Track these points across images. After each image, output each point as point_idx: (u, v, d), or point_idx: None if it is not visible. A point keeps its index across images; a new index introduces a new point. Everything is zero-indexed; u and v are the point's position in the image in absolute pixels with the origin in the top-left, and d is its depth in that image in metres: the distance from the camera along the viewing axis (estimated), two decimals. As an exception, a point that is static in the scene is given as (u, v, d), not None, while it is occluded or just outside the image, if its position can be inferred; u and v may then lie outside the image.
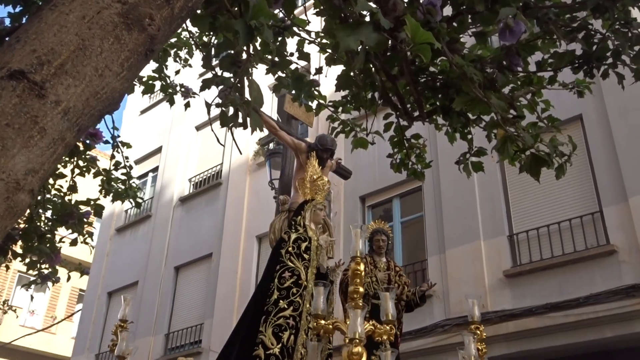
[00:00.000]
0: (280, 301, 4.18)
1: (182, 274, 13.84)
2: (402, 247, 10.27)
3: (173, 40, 4.20)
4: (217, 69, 2.58)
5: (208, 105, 2.04)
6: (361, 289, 3.69)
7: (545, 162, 2.22)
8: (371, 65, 2.42)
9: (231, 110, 2.02)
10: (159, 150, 16.63)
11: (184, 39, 4.01)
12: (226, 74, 2.40)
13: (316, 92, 2.92)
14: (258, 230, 12.61)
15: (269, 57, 2.91)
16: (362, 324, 3.44)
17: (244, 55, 2.69)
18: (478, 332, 4.56)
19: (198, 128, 15.73)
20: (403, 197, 10.53)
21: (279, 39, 2.73)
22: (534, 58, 2.42)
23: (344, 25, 1.43)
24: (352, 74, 2.62)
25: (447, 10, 2.54)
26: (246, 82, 2.20)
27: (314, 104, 3.30)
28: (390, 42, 1.54)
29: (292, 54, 2.58)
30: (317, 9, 1.93)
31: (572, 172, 8.42)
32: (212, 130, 2.36)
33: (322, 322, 3.65)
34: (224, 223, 13.29)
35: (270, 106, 14.10)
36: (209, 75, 2.53)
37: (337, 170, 6.48)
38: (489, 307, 8.26)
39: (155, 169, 16.50)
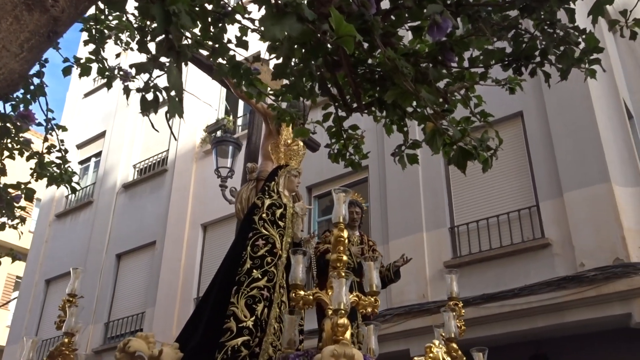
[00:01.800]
0: (254, 271, 3.91)
1: (123, 262, 13.60)
2: (347, 237, 10.38)
3: (114, 22, 4.12)
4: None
5: (127, 91, 2.02)
6: (345, 258, 3.52)
7: (472, 155, 2.30)
8: (309, 57, 2.44)
9: (151, 96, 2.00)
10: (102, 134, 16.22)
11: (125, 21, 3.92)
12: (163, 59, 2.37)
13: (257, 81, 2.93)
14: (203, 219, 12.51)
15: (210, 43, 2.90)
16: (347, 294, 3.30)
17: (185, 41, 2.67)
18: (457, 308, 4.43)
19: (147, 115, 15.40)
20: (349, 188, 10.63)
21: (219, 25, 2.72)
22: (469, 54, 2.49)
23: (270, 14, 1.45)
24: (292, 62, 2.63)
25: (386, 4, 2.58)
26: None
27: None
28: (315, 33, 1.56)
29: (229, 41, 2.57)
30: (253, -2, 1.93)
31: (511, 167, 8.76)
32: (150, 120, 2.33)
33: (302, 292, 3.45)
34: (168, 211, 13.11)
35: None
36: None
37: (306, 141, 6.14)
38: (429, 297, 8.48)
39: (98, 154, 16.09)
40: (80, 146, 16.63)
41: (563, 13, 2.35)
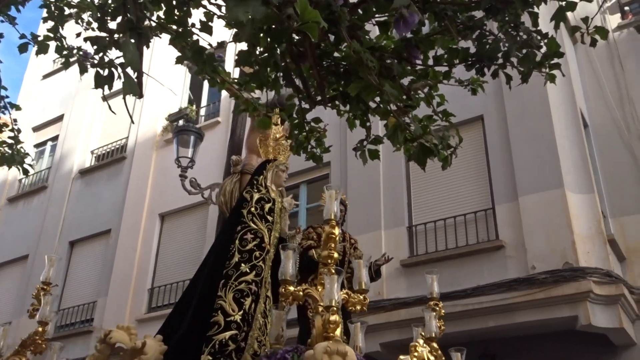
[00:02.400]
0: (242, 264, 3.85)
1: (77, 250, 13.27)
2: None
3: (75, 1, 3.99)
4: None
5: (84, 69, 1.95)
6: (336, 255, 3.48)
7: (432, 152, 2.31)
8: (276, 45, 2.41)
9: (106, 72, 1.95)
10: (60, 118, 15.80)
11: (87, 0, 3.80)
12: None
13: (220, 68, 2.88)
14: (161, 208, 12.32)
15: (174, 27, 2.84)
16: (339, 291, 3.24)
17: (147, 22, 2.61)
18: (437, 308, 4.46)
19: (104, 98, 15.07)
20: (310, 183, 10.63)
21: (184, 9, 2.66)
22: (434, 53, 2.50)
23: (235, -2, 1.42)
24: (257, 51, 2.60)
25: (354, -3, 2.57)
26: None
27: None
28: (278, 18, 1.54)
29: (193, 25, 2.53)
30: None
31: (470, 169, 8.89)
32: (108, 103, 2.25)
33: (291, 288, 3.39)
34: (125, 199, 12.87)
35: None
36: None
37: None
38: (384, 295, 8.53)
39: (55, 138, 15.67)
40: (36, 129, 16.17)
41: (527, 17, 2.39)
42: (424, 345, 4.01)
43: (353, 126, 2.92)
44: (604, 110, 9.29)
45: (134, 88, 1.63)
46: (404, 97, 2.42)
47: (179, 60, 2.76)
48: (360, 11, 2.46)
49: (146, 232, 12.27)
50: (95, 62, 3.61)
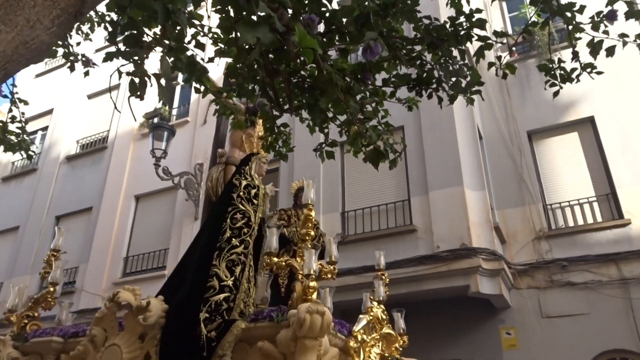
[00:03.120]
0: (233, 239, 3.80)
1: (62, 223, 12.63)
2: (258, 214, 10.31)
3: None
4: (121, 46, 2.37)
5: (119, 72, 1.87)
6: (312, 232, 3.50)
7: (384, 155, 2.35)
8: (254, 62, 2.38)
9: (138, 81, 1.87)
10: (49, 112, 14.97)
11: (88, 15, 3.61)
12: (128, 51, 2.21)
13: (205, 79, 2.81)
14: (137, 191, 11.91)
15: (167, 42, 2.74)
16: (316, 262, 3.25)
17: (146, 37, 2.51)
18: (383, 277, 4.57)
19: (90, 96, 14.39)
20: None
21: (178, 27, 2.57)
22: (380, 76, 2.53)
23: (245, 22, 1.39)
24: (238, 66, 2.55)
25: (321, 27, 2.56)
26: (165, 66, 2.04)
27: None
28: (282, 43, 1.52)
29: (189, 42, 2.45)
30: (217, 6, 1.83)
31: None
32: (112, 98, 2.14)
33: (275, 259, 3.42)
34: (106, 182, 12.35)
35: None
36: (113, 49, 2.31)
37: None
38: (321, 266, 8.57)
39: (45, 128, 14.84)
40: (28, 120, 15.24)
41: (457, 52, 2.46)
42: (378, 306, 4.07)
43: (313, 131, 2.92)
44: (494, 126, 9.65)
45: (165, 94, 1.57)
46: (360, 110, 2.44)
47: (172, 70, 2.67)
48: (324, 40, 2.46)
49: (123, 210, 11.83)
50: (95, 67, 3.45)
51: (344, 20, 1.92)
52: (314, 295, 3.05)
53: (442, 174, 8.26)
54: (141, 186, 11.80)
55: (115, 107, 2.30)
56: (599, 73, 2.66)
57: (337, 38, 2.41)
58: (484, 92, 9.99)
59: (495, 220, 8.52)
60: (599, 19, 2.46)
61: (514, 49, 9.56)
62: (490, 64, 2.63)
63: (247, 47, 1.67)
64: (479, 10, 2.61)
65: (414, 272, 7.70)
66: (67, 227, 13.54)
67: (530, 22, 2.60)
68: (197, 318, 3.36)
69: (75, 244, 12.14)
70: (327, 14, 2.15)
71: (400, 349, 4.36)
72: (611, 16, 2.37)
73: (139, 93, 1.75)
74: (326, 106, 2.06)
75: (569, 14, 2.39)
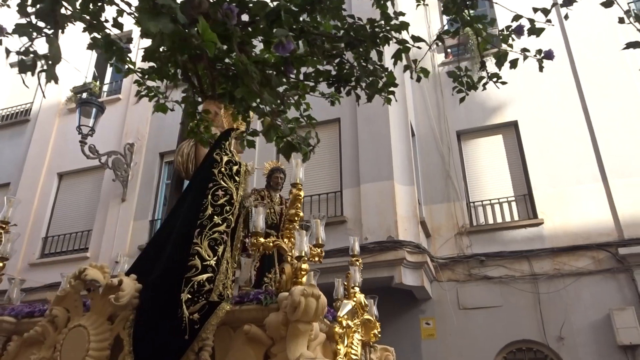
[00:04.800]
0: (215, 217, 3.56)
1: (-26, 199, 11.84)
2: (190, 199, 10.15)
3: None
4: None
5: (7, 51, 1.80)
6: (302, 213, 3.34)
7: (296, 148, 2.43)
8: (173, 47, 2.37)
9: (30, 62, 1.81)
10: (-35, 78, 13.89)
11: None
12: (41, 23, 2.13)
13: (127, 59, 2.76)
14: (60, 168, 11.36)
15: (87, 17, 2.66)
16: (307, 243, 3.10)
17: (62, 10, 2.43)
18: (358, 263, 4.48)
19: (12, 65, 13.48)
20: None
21: (99, 4, 2.51)
22: (305, 70, 2.60)
23: (147, 10, 1.40)
24: (161, 49, 2.53)
25: (246, 17, 2.59)
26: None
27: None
28: (184, 35, 1.54)
29: (106, 21, 2.40)
30: (134, -11, 1.82)
31: (326, 160, 9.17)
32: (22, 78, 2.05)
33: (261, 239, 3.24)
34: (26, 157, 11.68)
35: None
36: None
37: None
38: (250, 253, 8.58)
39: (-41, 96, 13.76)
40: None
41: (376, 53, 2.57)
42: (359, 292, 4.02)
43: (236, 120, 2.95)
44: (427, 124, 10.01)
45: (55, 77, 1.54)
46: (279, 102, 2.50)
47: (90, 47, 2.60)
48: (249, 29, 2.49)
49: (44, 187, 11.26)
50: (8, 37, 3.27)
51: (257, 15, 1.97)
52: (304, 279, 2.93)
53: (374, 167, 8.47)
54: (65, 163, 11.28)
55: (24, 82, 2.14)
56: (504, 83, 2.89)
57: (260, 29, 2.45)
58: (419, 90, 10.38)
59: (422, 214, 8.85)
60: (507, 33, 2.66)
61: (449, 50, 9.95)
62: (406, 67, 2.78)
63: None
64: (401, 14, 2.73)
65: (342, 262, 7.83)
66: (-21, 203, 12.64)
67: (443, 30, 2.76)
68: (176, 299, 3.14)
69: (-12, 221, 11.42)
70: (251, 5, 2.19)
71: (379, 335, 4.33)
72: (519, 31, 2.58)
73: (49, 76, 1.69)
74: (240, 96, 2.10)
75: (480, 26, 2.57)
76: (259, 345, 2.88)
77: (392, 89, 2.62)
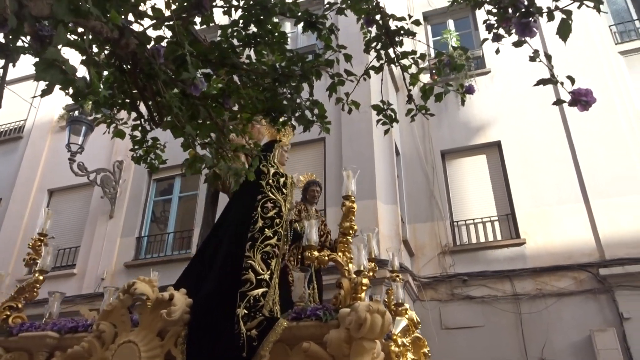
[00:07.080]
0: (266, 229, 3.52)
1: (-34, 214, 12.05)
2: (177, 216, 10.30)
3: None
4: None
5: None
6: (356, 226, 3.26)
7: (220, 178, 2.56)
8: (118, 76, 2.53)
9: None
10: (-38, 94, 14.18)
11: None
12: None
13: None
14: (51, 185, 11.57)
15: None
16: (366, 257, 3.05)
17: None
18: (398, 279, 4.45)
19: (8, 83, 13.79)
20: (184, 176, 10.55)
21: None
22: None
23: (41, 63, 1.55)
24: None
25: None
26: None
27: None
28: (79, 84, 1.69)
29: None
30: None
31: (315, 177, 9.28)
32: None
33: (316, 253, 3.15)
34: (18, 173, 11.91)
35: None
36: None
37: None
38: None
39: (-45, 113, 14.05)
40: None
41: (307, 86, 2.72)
42: (408, 309, 3.97)
43: (186, 148, 3.08)
44: (411, 144, 10.16)
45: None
46: (221, 131, 2.64)
47: (37, 79, 2.75)
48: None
49: (34, 203, 11.45)
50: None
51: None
52: (364, 295, 2.86)
53: (358, 186, 8.51)
54: (56, 180, 11.49)
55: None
56: (431, 115, 3.04)
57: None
58: (404, 110, 10.53)
59: (405, 234, 8.97)
60: (440, 65, 2.81)
61: (433, 71, 10.10)
62: (339, 100, 2.92)
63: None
64: (343, 47, 2.89)
65: (325, 280, 7.94)
66: (-30, 219, 12.75)
67: (370, 66, 2.92)
68: (231, 314, 3.07)
69: (-21, 237, 11.61)
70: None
71: (429, 354, 4.19)
72: (449, 64, 2.72)
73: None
74: (165, 129, 2.24)
75: (406, 62, 2.71)
76: (319, 363, 2.74)
77: (327, 119, 2.76)
